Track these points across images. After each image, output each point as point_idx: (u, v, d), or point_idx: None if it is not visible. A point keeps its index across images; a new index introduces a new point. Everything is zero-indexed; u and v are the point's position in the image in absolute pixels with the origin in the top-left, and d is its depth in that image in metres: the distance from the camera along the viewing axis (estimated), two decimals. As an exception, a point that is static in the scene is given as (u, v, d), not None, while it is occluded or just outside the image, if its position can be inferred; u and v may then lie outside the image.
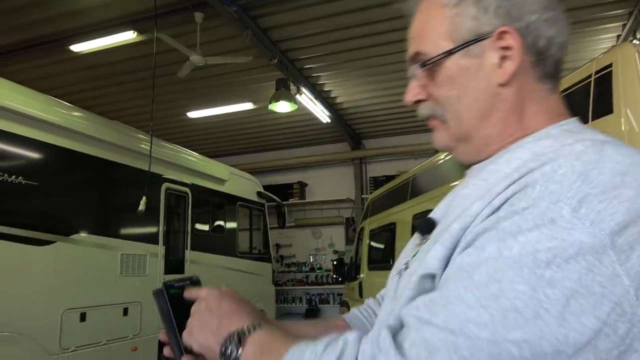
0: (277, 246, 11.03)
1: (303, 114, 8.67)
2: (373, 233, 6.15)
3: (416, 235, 0.80)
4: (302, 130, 10.30)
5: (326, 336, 0.60)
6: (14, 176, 4.00)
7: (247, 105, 8.58)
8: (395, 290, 0.70)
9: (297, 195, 11.19)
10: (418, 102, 0.76)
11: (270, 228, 8.41)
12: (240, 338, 0.67)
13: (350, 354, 0.54)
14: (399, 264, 0.79)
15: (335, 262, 7.68)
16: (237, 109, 8.71)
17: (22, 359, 3.90)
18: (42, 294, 4.16)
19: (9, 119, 4.03)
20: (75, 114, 4.95)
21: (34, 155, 4.30)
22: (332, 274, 9.11)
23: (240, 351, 0.66)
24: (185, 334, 0.75)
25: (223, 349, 0.67)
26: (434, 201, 3.43)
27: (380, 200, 6.12)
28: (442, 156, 4.30)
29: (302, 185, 11.35)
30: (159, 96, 7.05)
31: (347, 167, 11.19)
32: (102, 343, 4.70)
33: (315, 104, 8.24)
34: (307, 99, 7.93)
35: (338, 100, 8.76)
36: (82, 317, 4.52)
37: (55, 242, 4.34)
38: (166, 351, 0.80)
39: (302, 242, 11.30)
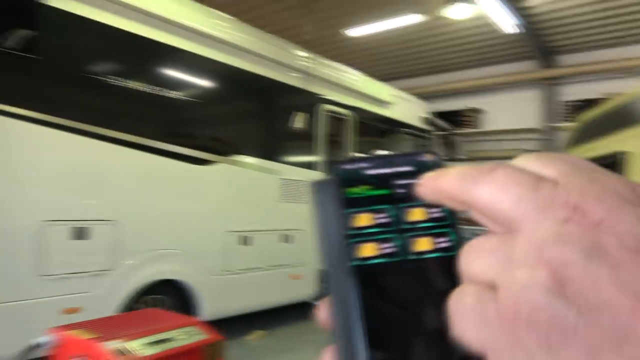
0: (444, 181, 10.06)
1: (480, 24, 7.30)
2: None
3: None
4: (477, 47, 8.82)
5: None
6: (175, 92, 3.83)
7: (415, 18, 7.50)
8: None
9: (470, 123, 9.90)
10: None
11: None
12: None
13: None
14: None
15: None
16: (402, 24, 7.71)
17: (183, 275, 3.91)
18: (204, 214, 4.07)
19: (172, 32, 3.82)
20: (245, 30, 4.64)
21: (197, 71, 4.10)
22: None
23: None
24: None
25: None
26: None
27: (599, 121, 4.61)
28: None
29: (476, 112, 9.98)
30: (313, 13, 6.47)
31: (532, 91, 9.42)
32: (263, 268, 4.57)
33: (500, 9, 6.77)
34: (488, 2, 6.51)
35: (530, 3, 7.07)
36: (244, 241, 4.40)
37: (217, 162, 4.19)
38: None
39: (473, 177, 10.09)
